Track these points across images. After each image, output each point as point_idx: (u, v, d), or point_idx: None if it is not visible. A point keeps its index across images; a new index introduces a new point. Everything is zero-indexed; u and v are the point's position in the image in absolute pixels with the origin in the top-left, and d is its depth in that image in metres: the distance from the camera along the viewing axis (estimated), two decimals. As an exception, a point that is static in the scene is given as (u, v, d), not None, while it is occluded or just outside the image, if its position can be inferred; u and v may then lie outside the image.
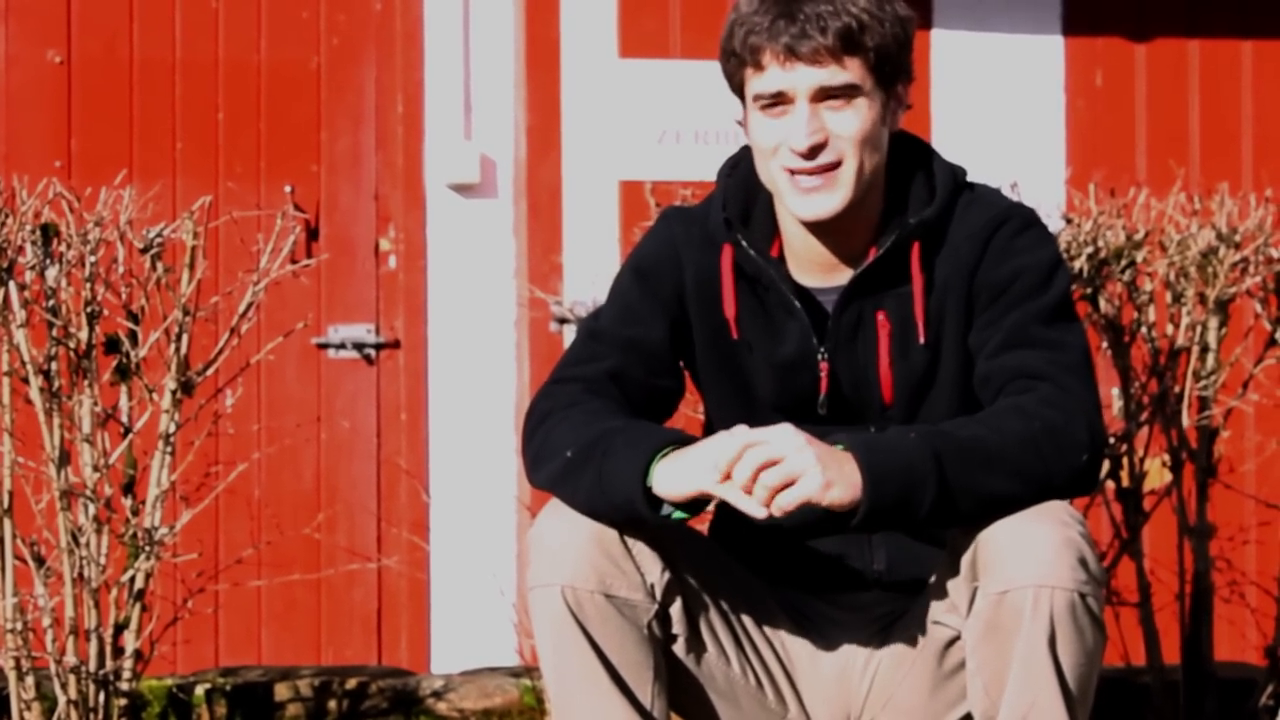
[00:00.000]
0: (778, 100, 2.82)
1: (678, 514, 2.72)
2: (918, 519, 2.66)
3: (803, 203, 2.84)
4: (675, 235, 2.97)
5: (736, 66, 2.86)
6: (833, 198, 2.82)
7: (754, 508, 2.64)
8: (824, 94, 2.80)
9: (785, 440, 2.64)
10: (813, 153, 2.81)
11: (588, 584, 2.72)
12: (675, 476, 2.68)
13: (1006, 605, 2.64)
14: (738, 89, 2.88)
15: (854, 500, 2.64)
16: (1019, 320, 2.82)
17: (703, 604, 2.85)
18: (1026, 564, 2.63)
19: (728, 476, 2.65)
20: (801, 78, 2.80)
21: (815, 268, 2.92)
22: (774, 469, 2.63)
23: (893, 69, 2.84)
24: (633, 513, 2.71)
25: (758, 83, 2.83)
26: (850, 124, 2.81)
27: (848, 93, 2.81)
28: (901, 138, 2.95)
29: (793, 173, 2.83)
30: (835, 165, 2.82)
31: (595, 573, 2.73)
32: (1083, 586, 2.63)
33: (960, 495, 2.66)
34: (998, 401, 2.77)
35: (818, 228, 2.87)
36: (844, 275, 2.90)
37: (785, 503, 2.63)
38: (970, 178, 2.97)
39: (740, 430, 2.68)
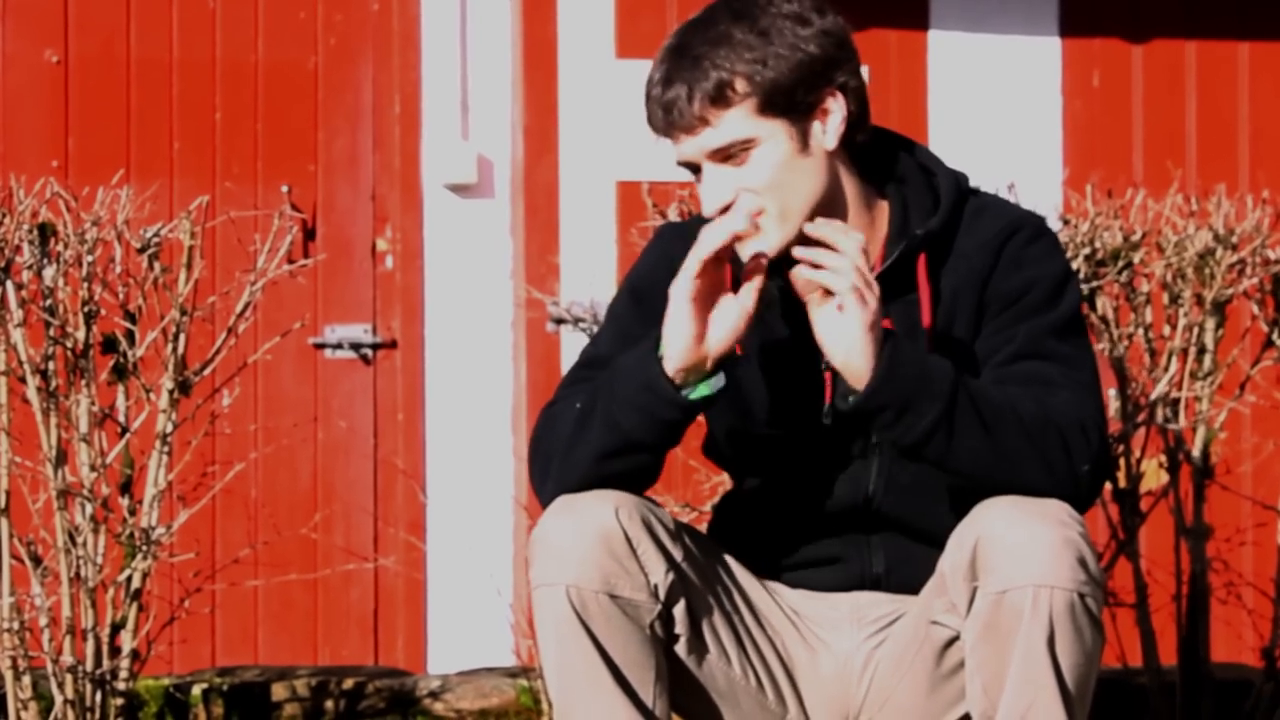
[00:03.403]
0: (689, 167, 2.83)
1: (699, 391, 2.72)
2: (910, 437, 2.67)
3: (742, 249, 2.81)
4: (671, 252, 2.95)
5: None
6: (764, 242, 2.79)
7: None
8: (719, 154, 2.78)
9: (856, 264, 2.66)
10: (724, 213, 2.79)
11: (592, 584, 2.72)
12: (670, 314, 2.70)
13: (1006, 605, 2.64)
14: None
15: (859, 373, 2.66)
16: (1032, 332, 2.81)
17: (705, 604, 2.85)
18: (1026, 564, 2.63)
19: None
20: (690, 146, 2.79)
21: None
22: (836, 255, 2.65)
23: (791, 99, 2.76)
24: (653, 401, 2.70)
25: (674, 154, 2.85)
26: (754, 176, 2.77)
27: (740, 146, 2.77)
28: (895, 140, 2.93)
29: None
30: (757, 214, 2.79)
31: (600, 573, 2.72)
32: (1082, 587, 2.63)
33: (958, 436, 2.66)
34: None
35: (789, 260, 2.86)
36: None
37: (814, 259, 2.65)
38: (970, 182, 2.95)
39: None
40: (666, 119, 2.79)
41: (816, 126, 2.80)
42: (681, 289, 2.72)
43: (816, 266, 2.69)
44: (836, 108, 2.80)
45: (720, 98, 2.75)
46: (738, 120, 2.76)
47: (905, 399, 2.66)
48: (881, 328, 2.68)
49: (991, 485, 2.70)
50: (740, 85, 2.75)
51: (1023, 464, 2.69)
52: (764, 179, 2.77)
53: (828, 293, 2.68)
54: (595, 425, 2.76)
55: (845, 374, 2.69)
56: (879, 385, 2.66)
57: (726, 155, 2.78)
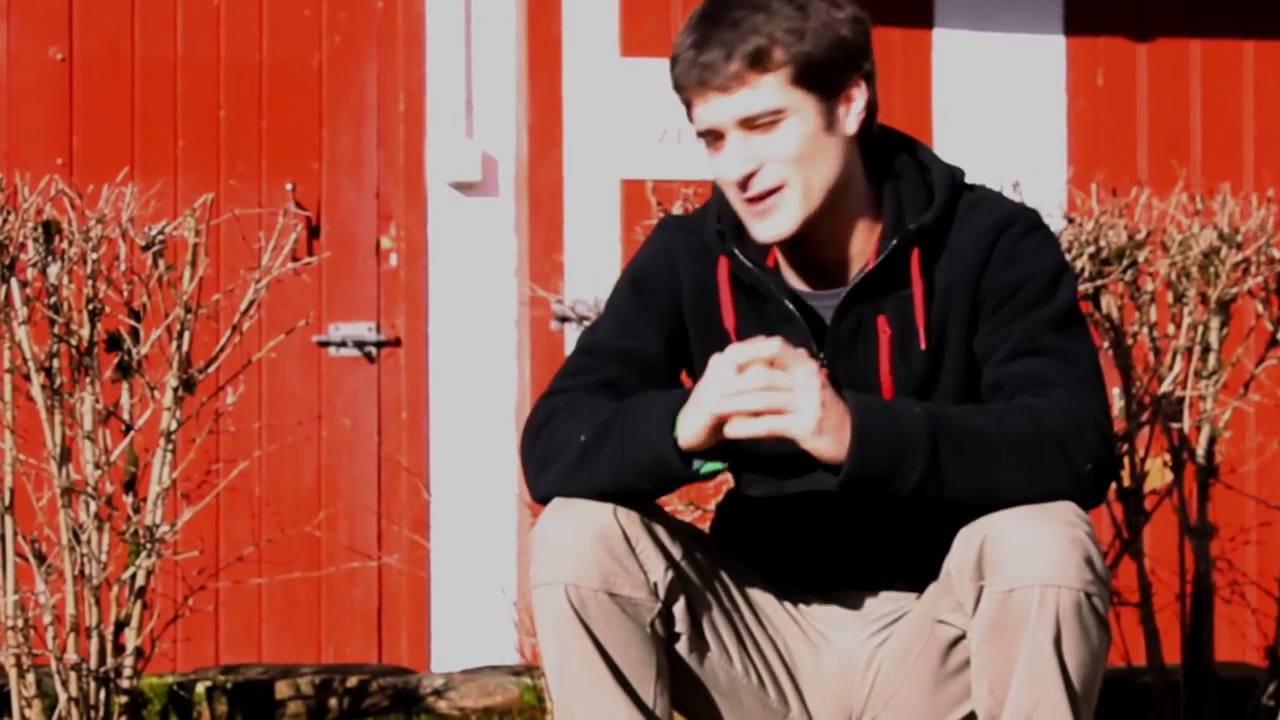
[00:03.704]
0: (711, 134, 2.82)
1: (708, 467, 2.73)
2: (902, 494, 2.66)
3: (757, 228, 2.82)
4: (672, 245, 2.97)
5: (682, 105, 2.87)
6: (783, 219, 2.81)
7: (741, 426, 2.65)
8: (749, 122, 2.79)
9: (802, 373, 2.64)
10: (747, 182, 2.80)
11: (591, 582, 2.72)
12: (691, 414, 2.69)
13: (1013, 604, 2.64)
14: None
15: (837, 458, 2.65)
16: (1028, 328, 2.81)
17: (705, 602, 2.85)
18: (1033, 563, 2.63)
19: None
20: (719, 109, 2.79)
21: (811, 276, 2.92)
22: (777, 393, 2.63)
23: (823, 76, 2.79)
24: (664, 472, 2.71)
25: (693, 119, 2.84)
26: (781, 146, 2.79)
27: (771, 116, 2.78)
28: (896, 138, 2.94)
29: (745, 201, 2.83)
30: (778, 188, 2.80)
31: (599, 571, 2.73)
32: (1089, 586, 2.63)
33: (949, 478, 2.66)
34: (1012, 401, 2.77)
35: (795, 244, 2.86)
36: (841, 282, 2.90)
37: (773, 428, 2.63)
38: (971, 178, 2.95)
39: (772, 341, 2.68)
40: (701, 77, 2.78)
41: (841, 109, 2.82)
42: (705, 411, 2.68)
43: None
44: (860, 94, 2.83)
45: (759, 61, 2.76)
46: (772, 87, 2.77)
47: (888, 465, 2.65)
48: (837, 392, 2.67)
49: (996, 507, 2.69)
50: (778, 53, 2.76)
51: (1020, 483, 2.68)
52: (791, 150, 2.79)
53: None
54: (601, 466, 2.75)
55: (822, 457, 2.67)
56: (857, 461, 2.64)
57: (755, 122, 2.78)
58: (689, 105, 2.83)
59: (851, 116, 2.83)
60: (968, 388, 2.86)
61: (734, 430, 2.66)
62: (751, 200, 2.81)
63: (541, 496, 2.83)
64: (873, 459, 2.64)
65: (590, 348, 2.94)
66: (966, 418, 2.70)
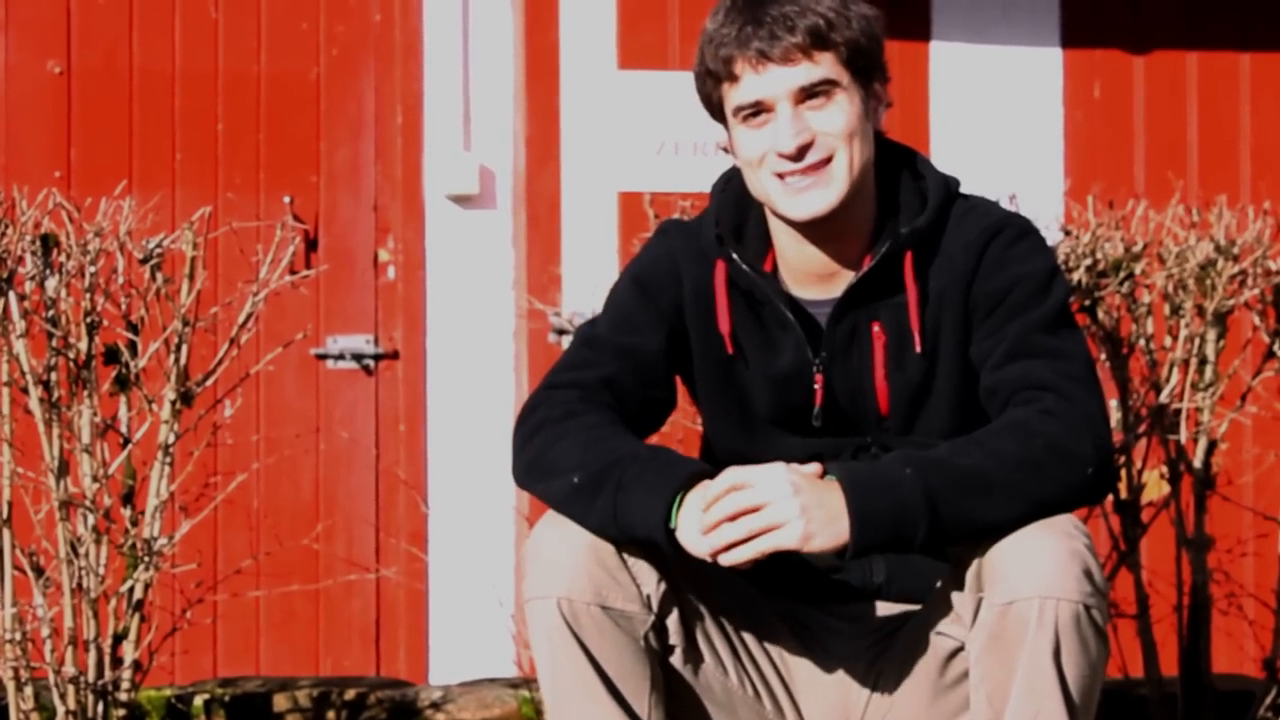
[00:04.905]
0: (758, 109, 2.83)
1: None
2: (910, 551, 2.68)
3: (797, 203, 2.84)
4: (674, 248, 2.98)
5: (713, 85, 2.87)
6: (827, 193, 2.83)
7: (733, 554, 2.66)
8: (803, 94, 2.82)
9: (772, 485, 2.65)
10: (800, 153, 2.82)
11: (584, 596, 2.73)
12: (688, 538, 2.69)
13: (1012, 616, 2.64)
14: (717, 108, 2.89)
15: (840, 544, 2.65)
16: (1021, 330, 2.82)
17: (700, 615, 2.85)
18: (1032, 576, 2.63)
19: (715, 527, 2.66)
20: (777, 80, 2.81)
21: (809, 280, 2.93)
22: (756, 515, 2.64)
23: (866, 64, 2.85)
24: (651, 542, 2.73)
25: (735, 94, 2.84)
26: (834, 119, 2.83)
27: (826, 88, 2.82)
28: (891, 147, 2.96)
29: (783, 176, 2.83)
30: (825, 162, 2.83)
31: (591, 584, 2.73)
32: (1088, 599, 2.64)
33: (954, 527, 2.66)
34: (1002, 416, 2.77)
35: (813, 232, 2.87)
36: (838, 286, 2.91)
37: (763, 547, 2.64)
38: (968, 189, 2.97)
39: (729, 471, 2.69)
40: (760, 48, 2.80)
41: (872, 103, 2.88)
42: (707, 547, 2.70)
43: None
44: (883, 94, 2.90)
45: (820, 37, 2.81)
46: (832, 63, 2.82)
47: (892, 534, 2.66)
48: (815, 473, 2.69)
49: (1007, 534, 2.69)
50: (835, 34, 2.82)
51: (1025, 508, 2.68)
52: (843, 125, 2.83)
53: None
54: (591, 515, 2.75)
55: (824, 551, 2.67)
56: (860, 541, 2.65)
57: (810, 94, 2.82)
58: (733, 79, 2.84)
59: (879, 113, 2.90)
60: (962, 392, 2.87)
61: (728, 560, 2.66)
62: (803, 171, 2.82)
63: (525, 489, 2.86)
64: (875, 533, 2.65)
65: (590, 340, 2.96)
66: (957, 458, 2.70)
